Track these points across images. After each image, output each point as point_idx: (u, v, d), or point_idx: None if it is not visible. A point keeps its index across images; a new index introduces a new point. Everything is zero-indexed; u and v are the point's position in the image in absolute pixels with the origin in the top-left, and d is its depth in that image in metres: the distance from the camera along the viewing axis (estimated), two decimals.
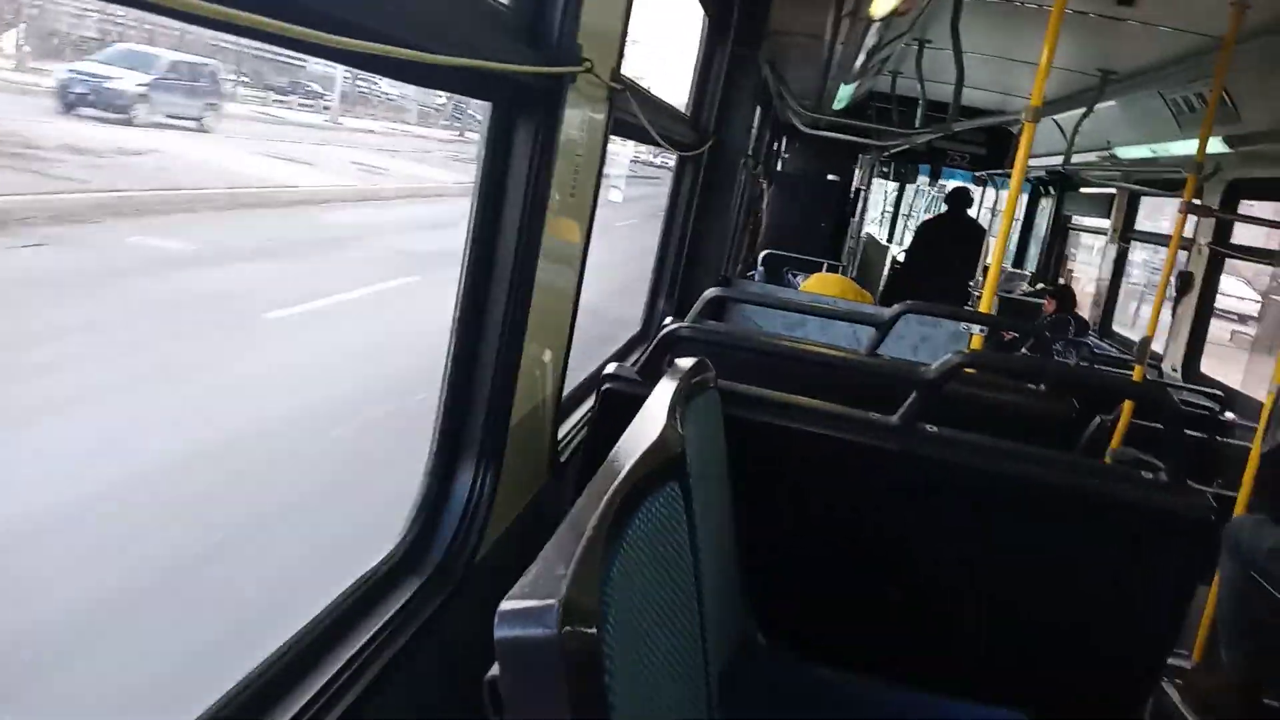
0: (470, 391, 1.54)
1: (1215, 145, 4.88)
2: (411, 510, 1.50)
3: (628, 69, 1.94)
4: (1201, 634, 3.42)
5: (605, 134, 1.80)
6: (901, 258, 8.98)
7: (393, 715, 1.30)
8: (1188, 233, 5.80)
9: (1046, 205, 9.80)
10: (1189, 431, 4.02)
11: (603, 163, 1.83)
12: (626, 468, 1.14)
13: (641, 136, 2.25)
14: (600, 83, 1.65)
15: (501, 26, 1.38)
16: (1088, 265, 9.47)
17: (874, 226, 11.90)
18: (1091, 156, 7.05)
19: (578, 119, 1.59)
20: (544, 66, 1.40)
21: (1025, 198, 10.35)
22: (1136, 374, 4.10)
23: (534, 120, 1.48)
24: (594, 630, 0.81)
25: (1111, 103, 6.09)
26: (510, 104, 1.47)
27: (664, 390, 1.52)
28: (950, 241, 7.94)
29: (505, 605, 0.79)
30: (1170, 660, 3.33)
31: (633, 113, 1.96)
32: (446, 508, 1.51)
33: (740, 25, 3.58)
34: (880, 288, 8.20)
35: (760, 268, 7.34)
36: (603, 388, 1.94)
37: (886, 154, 9.04)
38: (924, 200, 13.74)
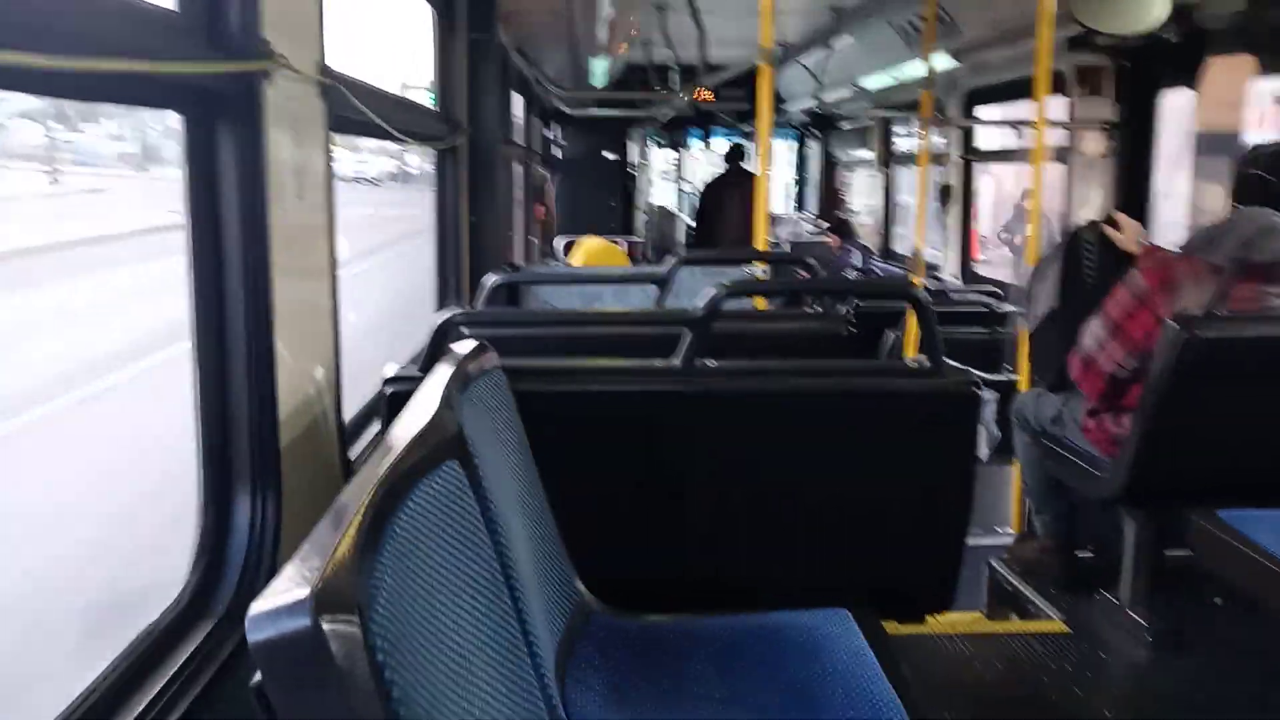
0: (226, 417, 1.45)
1: (946, 61, 5.23)
2: (192, 549, 1.40)
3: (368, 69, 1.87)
4: (1015, 508, 3.68)
5: (325, 132, 1.73)
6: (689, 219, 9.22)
7: None
8: (940, 148, 6.22)
9: (815, 146, 10.27)
10: (973, 327, 4.32)
11: (330, 162, 1.76)
12: (394, 454, 1.11)
13: (374, 132, 2.18)
14: (304, 78, 1.59)
15: (172, 27, 1.30)
16: (865, 196, 9.98)
17: (663, 197, 12.15)
18: (844, 92, 7.42)
19: (286, 120, 1.52)
20: (224, 64, 1.32)
21: (796, 143, 10.82)
22: (916, 283, 4.35)
23: (232, 127, 1.40)
24: (355, 617, 0.78)
25: (850, 38, 6.43)
26: (201, 112, 1.38)
27: (438, 377, 1.48)
28: (733, 197, 8.19)
29: (257, 606, 0.75)
30: (996, 538, 3.58)
31: (355, 108, 1.89)
32: (228, 543, 1.43)
33: (472, 11, 3.54)
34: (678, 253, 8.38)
35: (564, 254, 7.38)
36: (386, 390, 1.88)
37: (658, 123, 9.23)
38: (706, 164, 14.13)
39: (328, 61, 1.72)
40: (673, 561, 1.97)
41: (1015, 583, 3.21)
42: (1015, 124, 4.98)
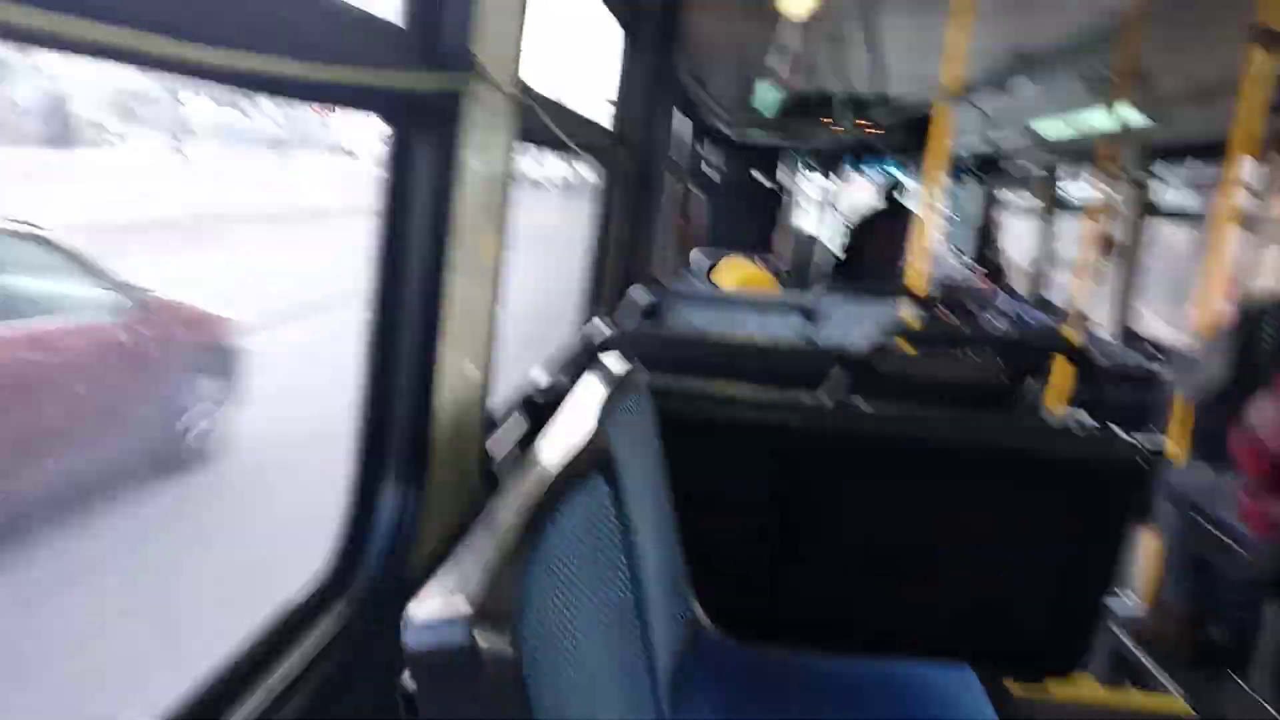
0: (387, 409, 1.52)
1: (1131, 115, 5.00)
2: (338, 533, 1.47)
3: (542, 81, 1.94)
4: (1149, 577, 3.49)
5: (511, 144, 1.79)
6: (838, 250, 9.09)
7: None
8: (1111, 201, 5.95)
9: (976, 187, 9.98)
10: (1128, 387, 4.12)
11: (511, 173, 1.82)
12: (546, 468, 1.13)
13: (555, 145, 2.25)
14: (501, 92, 1.65)
15: (388, 37, 1.37)
16: (1023, 242, 9.64)
17: (806, 222, 12.03)
18: (1013, 134, 7.19)
19: (479, 130, 1.59)
20: (433, 75, 1.39)
21: (955, 181, 10.54)
22: (1069, 335, 4.18)
23: (432, 133, 1.47)
24: (508, 634, 0.80)
25: (1029, 82, 6.22)
26: (406, 117, 1.46)
27: (587, 390, 1.52)
28: (886, 231, 8.04)
29: (413, 613, 0.77)
30: (1122, 605, 3.41)
31: (541, 122, 1.96)
32: (372, 528, 1.49)
33: (656, 34, 3.60)
34: (813, 279, 8.30)
35: (705, 272, 7.39)
36: (531, 396, 1.94)
37: (817, 152, 9.16)
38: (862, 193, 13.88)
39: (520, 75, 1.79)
40: (793, 596, 1.95)
41: (1138, 653, 3.06)
42: (1204, 186, 4.72)
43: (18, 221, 3.47)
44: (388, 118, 1.45)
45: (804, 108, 7.69)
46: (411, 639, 0.76)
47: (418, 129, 1.48)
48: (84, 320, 3.55)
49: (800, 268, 8.53)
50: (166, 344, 3.92)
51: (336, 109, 1.42)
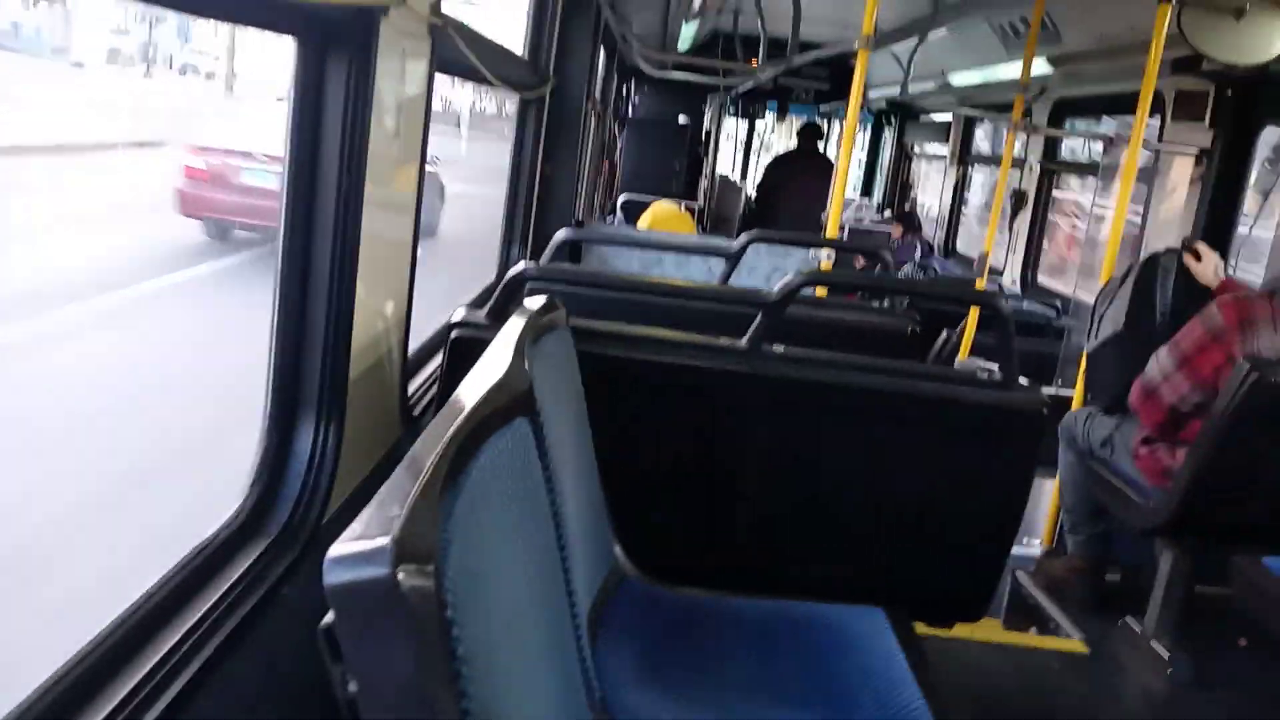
0: (301, 344, 1.48)
1: (1040, 67, 5.11)
2: (251, 471, 1.43)
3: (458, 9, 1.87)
4: (1050, 523, 3.66)
5: (430, 74, 1.73)
6: (754, 194, 9.14)
7: (243, 684, 1.25)
8: (1019, 153, 6.09)
9: (890, 135, 10.09)
10: (1029, 338, 4.26)
11: (429, 104, 1.76)
12: (469, 406, 1.11)
13: (472, 76, 2.18)
14: (418, 17, 1.59)
15: None
16: (934, 191, 9.82)
17: (729, 166, 12.01)
18: (928, 85, 7.28)
19: (395, 57, 1.53)
20: None
21: (869, 129, 10.65)
22: (978, 286, 4.29)
23: (344, 58, 1.41)
24: (431, 568, 0.79)
25: (944, 31, 6.29)
26: (317, 41, 1.39)
27: (510, 330, 1.49)
28: (800, 175, 8.10)
29: (335, 550, 0.76)
30: (1023, 550, 3.57)
31: (460, 51, 1.89)
32: (287, 467, 1.45)
33: None
34: (736, 225, 8.33)
35: (619, 212, 7.34)
36: (451, 335, 1.90)
37: (734, 94, 9.13)
38: (777, 138, 13.93)
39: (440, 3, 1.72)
40: (712, 539, 1.98)
41: (1038, 596, 3.21)
42: (1112, 139, 4.85)
43: None
44: (299, 38, 1.38)
45: (724, 47, 7.64)
46: (333, 576, 0.74)
47: (328, 54, 1.41)
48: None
49: (718, 211, 8.55)
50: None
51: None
